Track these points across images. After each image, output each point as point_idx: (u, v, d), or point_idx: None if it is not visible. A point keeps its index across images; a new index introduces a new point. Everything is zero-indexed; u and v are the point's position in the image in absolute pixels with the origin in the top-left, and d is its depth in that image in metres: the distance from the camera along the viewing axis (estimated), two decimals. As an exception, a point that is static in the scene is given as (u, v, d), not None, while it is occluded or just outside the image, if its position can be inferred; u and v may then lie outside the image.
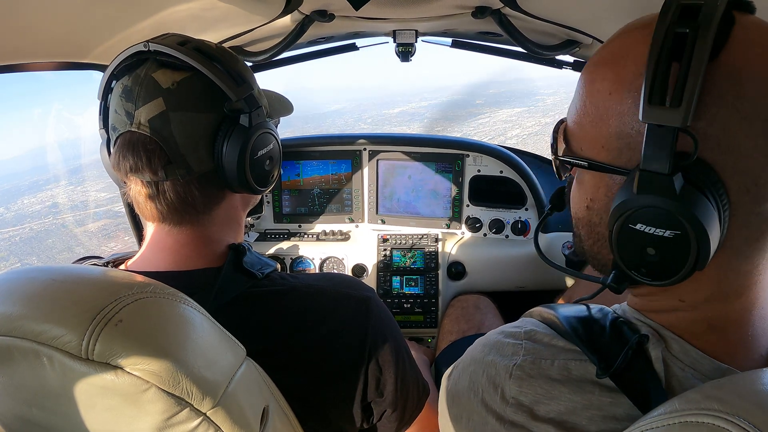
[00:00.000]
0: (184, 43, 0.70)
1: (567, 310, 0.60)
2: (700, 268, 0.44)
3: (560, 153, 0.56)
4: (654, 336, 0.51)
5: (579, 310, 0.59)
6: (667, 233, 0.43)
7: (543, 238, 1.78)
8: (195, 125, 0.70)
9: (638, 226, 0.44)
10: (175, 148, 0.69)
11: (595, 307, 0.59)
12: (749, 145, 0.42)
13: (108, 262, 0.79)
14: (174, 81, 0.68)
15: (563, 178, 0.59)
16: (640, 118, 0.42)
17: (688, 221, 0.41)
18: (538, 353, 0.56)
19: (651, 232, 0.44)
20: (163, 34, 0.72)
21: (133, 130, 0.68)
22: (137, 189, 0.71)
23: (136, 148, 0.68)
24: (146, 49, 0.70)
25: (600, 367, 0.50)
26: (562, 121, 0.57)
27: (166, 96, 0.68)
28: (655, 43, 0.42)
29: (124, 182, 0.74)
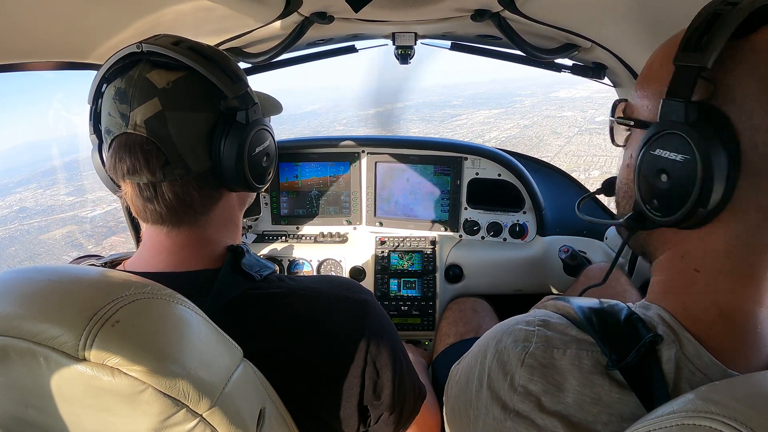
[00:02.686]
0: (178, 42, 0.70)
1: (582, 301, 0.61)
2: (703, 205, 0.46)
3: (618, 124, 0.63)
4: (669, 337, 0.51)
5: (594, 302, 0.60)
6: (679, 157, 0.48)
7: (540, 241, 1.78)
8: (192, 124, 0.70)
9: (656, 151, 0.50)
10: (173, 148, 0.68)
11: (610, 301, 0.60)
12: (759, 105, 0.46)
13: (106, 263, 0.79)
14: (169, 81, 0.68)
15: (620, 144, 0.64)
16: (672, 61, 0.48)
17: (696, 145, 0.46)
18: (550, 342, 0.57)
19: (665, 156, 0.49)
20: (155, 35, 0.72)
21: (129, 131, 0.68)
22: (134, 192, 0.71)
23: (132, 150, 0.68)
24: (139, 50, 0.69)
25: (611, 359, 0.51)
26: (621, 100, 0.63)
27: (162, 96, 0.67)
28: (698, 17, 0.48)
29: (119, 186, 0.73)
